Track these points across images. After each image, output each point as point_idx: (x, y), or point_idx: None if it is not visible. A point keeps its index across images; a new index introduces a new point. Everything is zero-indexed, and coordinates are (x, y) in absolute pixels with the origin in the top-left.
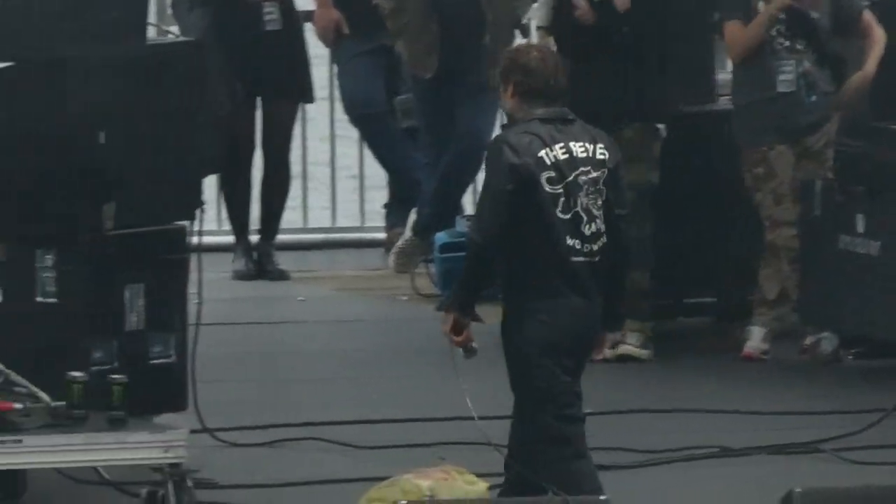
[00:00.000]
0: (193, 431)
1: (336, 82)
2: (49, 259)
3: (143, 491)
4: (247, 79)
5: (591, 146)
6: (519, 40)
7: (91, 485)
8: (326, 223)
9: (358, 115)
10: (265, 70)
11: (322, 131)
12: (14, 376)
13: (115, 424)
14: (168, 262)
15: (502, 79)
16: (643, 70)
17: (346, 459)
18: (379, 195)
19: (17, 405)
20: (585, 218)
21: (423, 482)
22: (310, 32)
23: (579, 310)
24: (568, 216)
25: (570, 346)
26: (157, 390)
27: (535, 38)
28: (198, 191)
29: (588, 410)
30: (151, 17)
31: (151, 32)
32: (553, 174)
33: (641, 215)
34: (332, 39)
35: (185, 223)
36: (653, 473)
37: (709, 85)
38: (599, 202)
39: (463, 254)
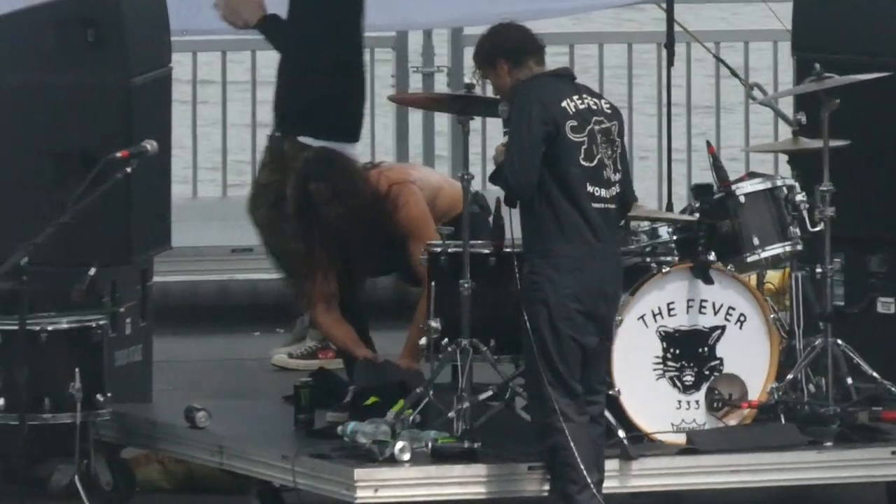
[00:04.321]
0: None
1: None
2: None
3: None
4: None
5: (598, 101)
6: None
7: None
8: None
9: None
10: None
11: None
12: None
13: None
14: None
15: (488, 64)
16: None
17: None
18: None
19: None
20: (602, 165)
21: None
22: None
23: (600, 255)
24: (592, 164)
25: (594, 295)
26: None
27: None
28: None
29: None
30: None
31: None
32: (575, 123)
33: None
34: None
35: None
36: None
37: None
38: (610, 152)
39: None
